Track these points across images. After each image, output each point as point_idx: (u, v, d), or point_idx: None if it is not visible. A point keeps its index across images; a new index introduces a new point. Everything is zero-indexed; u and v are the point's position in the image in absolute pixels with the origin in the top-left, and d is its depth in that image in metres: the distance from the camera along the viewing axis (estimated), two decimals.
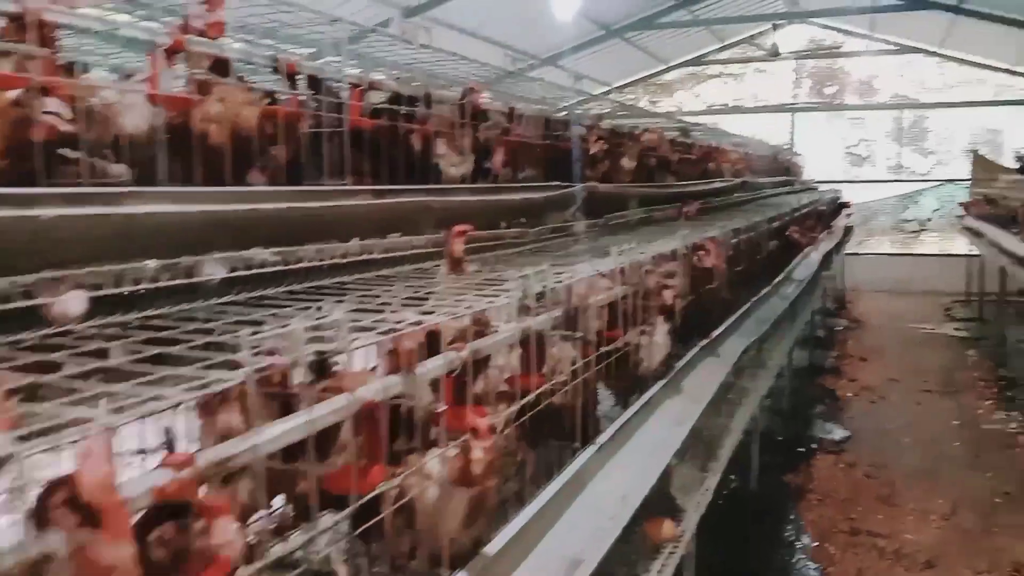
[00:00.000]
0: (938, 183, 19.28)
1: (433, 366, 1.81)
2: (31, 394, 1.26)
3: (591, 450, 2.57)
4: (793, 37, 19.40)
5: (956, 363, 11.60)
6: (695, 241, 3.79)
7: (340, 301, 2.01)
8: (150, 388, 1.22)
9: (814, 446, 8.20)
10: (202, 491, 1.22)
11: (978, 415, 9.12)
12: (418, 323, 1.65)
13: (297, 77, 2.60)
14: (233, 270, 2.03)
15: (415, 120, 3.19)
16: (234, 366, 1.22)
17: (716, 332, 4.36)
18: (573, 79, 4.81)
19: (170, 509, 1.17)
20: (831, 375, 10.98)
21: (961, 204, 15.61)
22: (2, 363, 1.45)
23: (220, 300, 1.99)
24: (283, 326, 1.25)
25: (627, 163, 5.25)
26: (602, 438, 2.68)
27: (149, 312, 1.79)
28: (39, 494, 0.99)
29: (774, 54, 17.22)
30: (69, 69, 2.03)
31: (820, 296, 11.32)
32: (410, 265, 2.82)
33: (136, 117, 2.02)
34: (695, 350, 4.06)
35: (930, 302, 16.32)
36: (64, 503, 0.98)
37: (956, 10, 14.75)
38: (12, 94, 1.80)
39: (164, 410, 1.23)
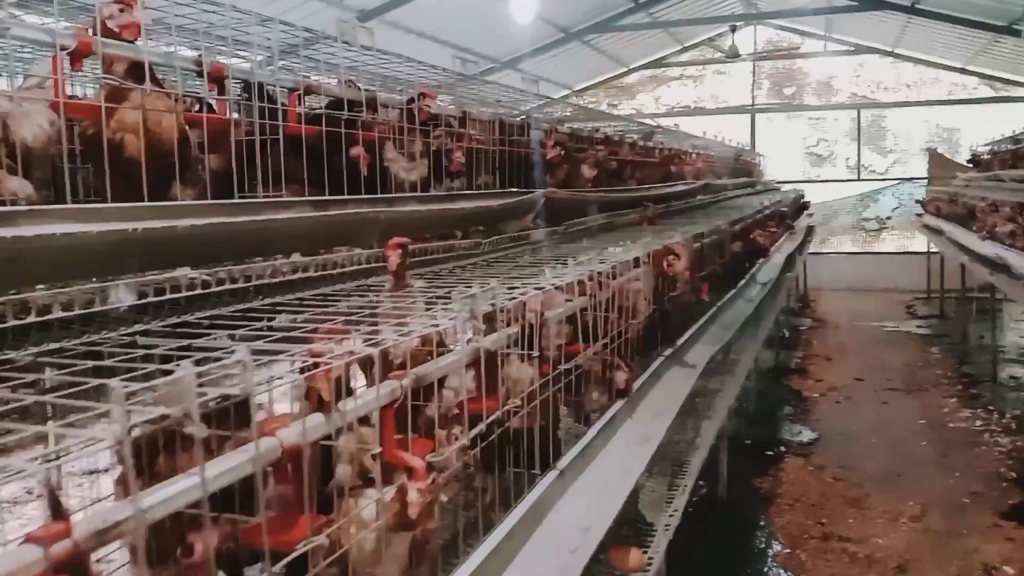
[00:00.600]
0: (897, 181, 19.47)
1: (367, 400, 1.62)
2: None
3: (551, 476, 2.40)
4: (751, 39, 19.49)
5: (920, 361, 11.65)
6: (656, 248, 3.64)
7: (268, 326, 1.83)
8: None
9: (783, 449, 8.12)
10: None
11: (943, 414, 9.12)
12: (345, 354, 1.47)
13: (225, 81, 2.40)
14: (142, 296, 1.84)
15: (359, 126, 3.00)
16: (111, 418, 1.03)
17: (681, 340, 4.22)
18: (529, 82, 4.62)
19: None
20: (797, 375, 10.95)
21: (919, 202, 15.76)
22: None
23: (130, 330, 1.78)
24: (169, 372, 1.07)
25: (587, 168, 5.10)
26: (563, 462, 2.51)
27: (43, 347, 1.59)
28: None
29: (733, 55, 17.25)
30: None
31: (784, 296, 11.28)
32: (353, 282, 2.63)
33: (34, 126, 1.81)
34: (660, 360, 3.91)
35: (892, 300, 16.45)
36: None
37: (909, 10, 14.88)
38: None
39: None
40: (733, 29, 17.74)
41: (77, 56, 1.98)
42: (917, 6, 14.69)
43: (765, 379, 10.45)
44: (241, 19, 2.46)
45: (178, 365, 1.09)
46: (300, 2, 11.31)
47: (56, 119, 1.89)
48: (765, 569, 5.87)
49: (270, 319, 1.98)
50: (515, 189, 3.91)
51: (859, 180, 19.53)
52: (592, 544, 2.14)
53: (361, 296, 2.33)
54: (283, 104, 2.73)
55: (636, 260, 3.31)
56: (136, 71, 2.21)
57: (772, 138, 19.95)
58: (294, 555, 1.36)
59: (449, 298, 2.20)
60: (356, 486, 1.61)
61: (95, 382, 1.24)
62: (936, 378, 10.65)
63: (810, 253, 16.00)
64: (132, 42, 2.21)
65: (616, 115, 14.17)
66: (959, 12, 14.48)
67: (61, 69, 1.91)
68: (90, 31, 1.98)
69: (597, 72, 20.22)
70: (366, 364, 1.55)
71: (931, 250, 15.23)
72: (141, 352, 1.58)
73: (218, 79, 2.40)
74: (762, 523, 6.50)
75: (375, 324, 1.87)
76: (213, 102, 2.63)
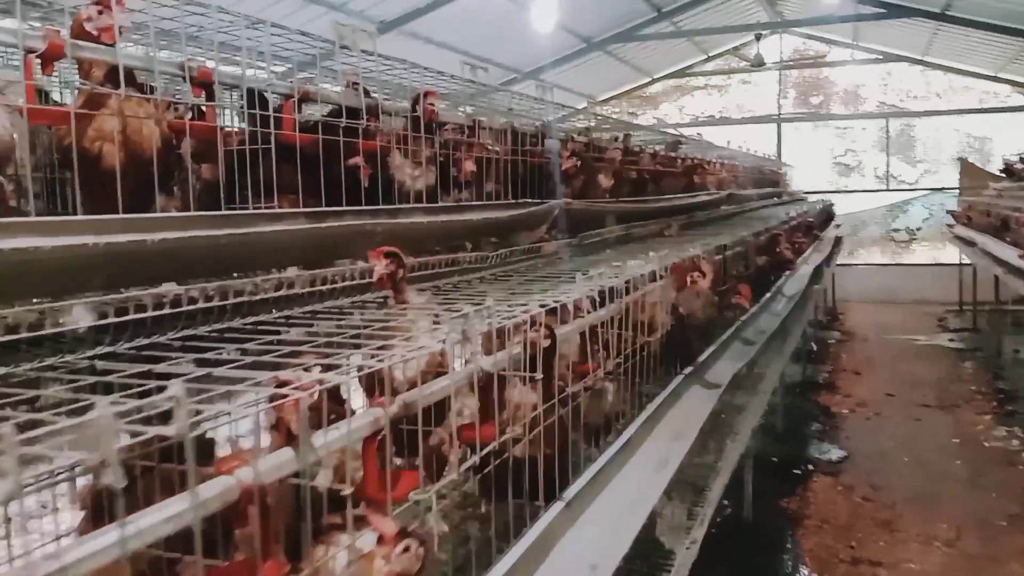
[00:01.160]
0: (927, 192, 19.07)
1: (343, 431, 1.47)
2: None
3: (557, 507, 2.23)
4: (777, 48, 19.24)
5: (952, 376, 11.31)
6: (675, 261, 3.47)
7: (241, 349, 1.69)
8: None
9: (810, 467, 7.87)
10: None
11: (978, 431, 8.81)
12: (313, 383, 1.32)
13: (213, 86, 2.27)
14: (103, 316, 1.70)
15: (360, 134, 2.87)
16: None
17: (702, 357, 4.03)
18: (543, 91, 4.47)
19: None
20: (825, 390, 10.68)
21: (951, 212, 15.40)
22: None
23: (91, 354, 1.65)
24: (84, 417, 0.92)
25: (604, 178, 4.94)
26: (571, 491, 2.34)
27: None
28: None
29: (758, 64, 17.03)
30: None
31: (811, 309, 11.01)
32: (349, 297, 2.49)
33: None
34: (679, 378, 3.73)
35: (922, 312, 16.07)
36: None
37: (939, 17, 14.58)
38: None
39: None
40: (758, 38, 17.52)
41: (48, 59, 1.86)
42: (947, 12, 14.39)
43: (792, 394, 10.18)
44: (232, 22, 2.33)
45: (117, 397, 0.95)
46: (320, 14, 11.29)
47: (19, 124, 1.76)
48: None
49: (247, 340, 1.84)
50: (527, 199, 3.76)
51: (888, 190, 19.16)
52: None
53: (353, 314, 2.18)
54: (275, 111, 2.60)
55: (652, 274, 3.14)
56: (115, 76, 2.09)
57: (799, 148, 19.66)
58: None
59: (452, 315, 2.05)
60: (330, 528, 1.46)
61: (23, 417, 1.10)
62: (970, 394, 10.32)
63: (838, 264, 15.69)
64: (111, 45, 2.09)
65: (639, 125, 13.99)
66: (990, 18, 14.16)
67: (31, 74, 1.78)
68: (62, 33, 1.86)
69: (620, 82, 20.07)
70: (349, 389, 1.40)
71: (963, 261, 14.85)
72: (91, 379, 1.45)
73: (205, 84, 2.27)
74: (788, 545, 6.27)
75: (358, 346, 1.73)
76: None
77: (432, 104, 3.19)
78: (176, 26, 2.34)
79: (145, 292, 1.79)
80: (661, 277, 3.28)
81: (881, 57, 18.69)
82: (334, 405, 1.91)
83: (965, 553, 6.03)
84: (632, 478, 2.73)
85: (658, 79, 20.34)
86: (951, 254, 16.51)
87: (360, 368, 1.42)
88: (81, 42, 1.93)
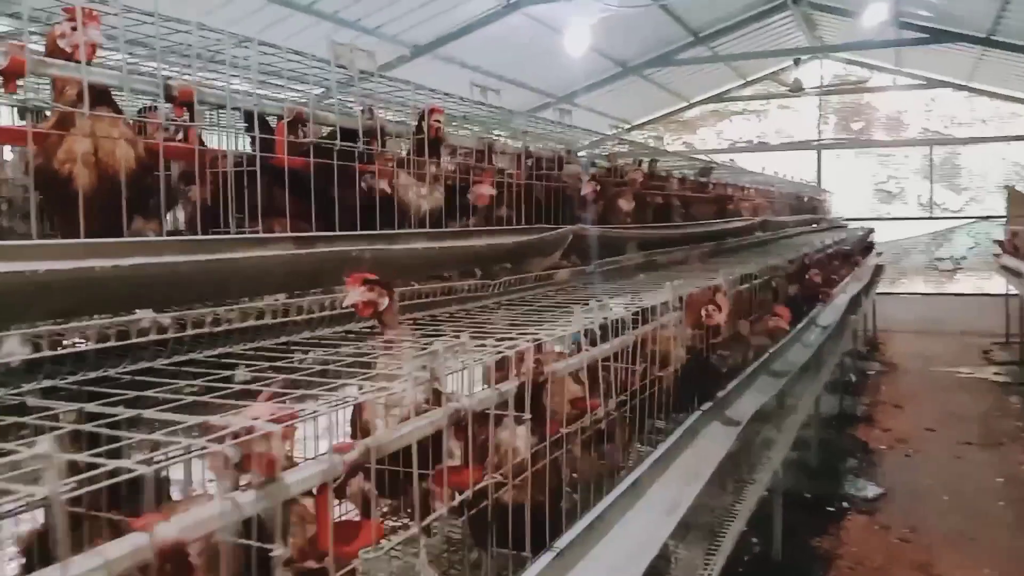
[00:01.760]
0: (972, 220, 18.56)
1: (294, 480, 1.34)
2: None
3: (546, 558, 2.08)
4: (817, 73, 18.96)
5: (997, 411, 10.88)
6: (691, 291, 3.30)
7: (191, 385, 1.57)
8: None
9: (845, 505, 7.56)
10: None
11: (1023, 470, 8.42)
12: (243, 431, 1.20)
13: (194, 105, 2.18)
14: (36, 349, 1.60)
15: (358, 158, 2.77)
16: None
17: (723, 392, 3.85)
18: (562, 114, 4.35)
19: None
20: (863, 424, 10.32)
21: (997, 242, 14.94)
22: None
23: (18, 390, 1.54)
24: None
25: (624, 203, 4.79)
26: (564, 540, 2.18)
27: None
28: None
29: (797, 89, 16.78)
30: None
31: (849, 339, 10.69)
32: (331, 328, 2.38)
33: None
34: (696, 414, 3.55)
35: (967, 344, 15.57)
36: None
37: (984, 42, 14.23)
38: None
39: None
40: (797, 63, 17.29)
41: (9, 76, 1.78)
42: (992, 37, 14.04)
43: (828, 427, 9.85)
44: (218, 40, 2.25)
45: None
46: (352, 37, 11.33)
47: None
48: None
49: (201, 376, 1.73)
50: (538, 225, 3.63)
51: (932, 218, 18.70)
52: None
53: (327, 348, 2.06)
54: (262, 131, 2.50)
55: (664, 306, 2.98)
56: (91, 96, 2.01)
57: (839, 174, 19.31)
58: None
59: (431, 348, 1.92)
60: None
61: None
62: (1016, 431, 9.90)
63: (880, 293, 15.30)
64: (87, 63, 2.01)
65: (665, 150, 13.82)
66: None
67: None
68: (23, 49, 1.78)
69: (657, 107, 19.94)
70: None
71: (1010, 292, 14.37)
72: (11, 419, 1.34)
73: (187, 103, 2.18)
74: None
75: (317, 385, 1.60)
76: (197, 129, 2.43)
77: (438, 121, 3.09)
78: (166, 44, 2.26)
79: (92, 323, 1.69)
80: (675, 308, 3.13)
81: (924, 83, 18.33)
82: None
83: None
84: (637, 523, 2.56)
85: (695, 104, 20.18)
86: (997, 284, 16.02)
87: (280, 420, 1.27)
88: (49, 59, 1.85)
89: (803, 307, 6.79)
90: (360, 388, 1.55)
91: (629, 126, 19.63)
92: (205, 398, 1.45)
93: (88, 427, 1.39)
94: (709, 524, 3.37)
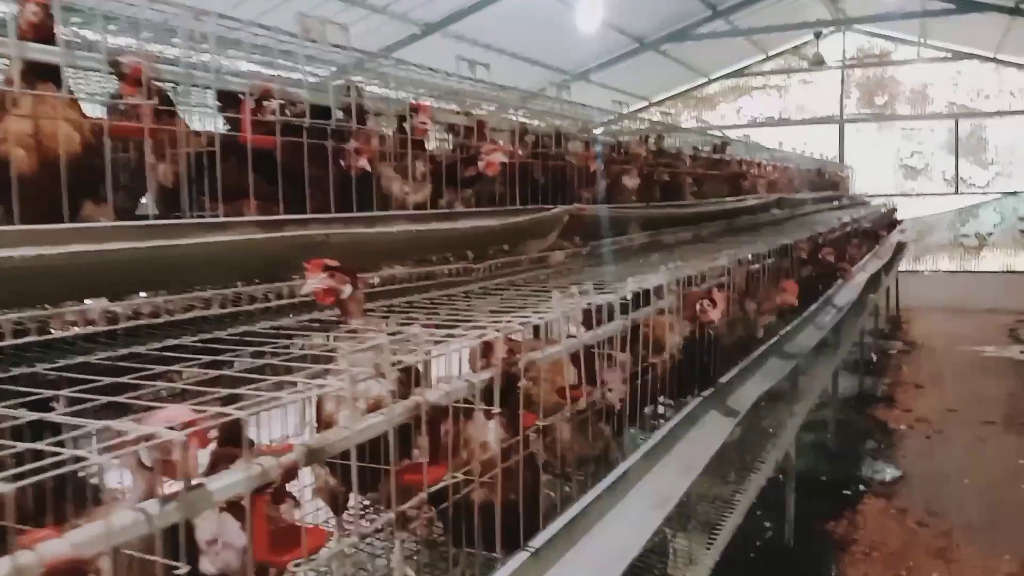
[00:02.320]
0: (999, 196, 18.13)
1: (222, 484, 1.24)
2: None
3: (520, 558, 1.97)
4: (839, 46, 18.54)
5: (1022, 391, 10.62)
6: (689, 274, 3.16)
7: (106, 386, 1.46)
8: None
9: (861, 488, 7.40)
10: None
11: None
12: (140, 439, 1.09)
13: (146, 82, 2.07)
14: None
15: (330, 136, 2.65)
16: None
17: (727, 377, 3.71)
18: (559, 90, 4.19)
19: None
20: (883, 405, 10.11)
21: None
22: None
23: None
24: None
25: (629, 180, 4.64)
26: (542, 538, 2.07)
27: None
28: None
29: (818, 63, 16.41)
30: None
31: (868, 319, 10.48)
32: (298, 315, 2.27)
33: None
34: (696, 401, 3.42)
35: (993, 322, 15.26)
36: None
37: (1014, 11, 13.81)
38: None
39: None
40: (818, 36, 16.90)
41: None
42: (1022, 6, 13.62)
43: (847, 409, 9.68)
44: (176, 15, 2.13)
45: None
46: (362, 16, 11.18)
47: None
48: None
49: (130, 371, 1.62)
50: (531, 206, 3.49)
51: (957, 194, 18.29)
52: None
53: (281, 339, 1.95)
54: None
55: (657, 290, 2.84)
56: (33, 73, 1.90)
57: (862, 150, 18.92)
58: None
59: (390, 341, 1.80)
60: None
61: None
62: None
63: (903, 271, 15.00)
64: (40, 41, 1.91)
65: (674, 126, 13.57)
66: None
67: None
68: None
69: (675, 83, 19.61)
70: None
71: None
72: None
73: (138, 81, 2.07)
74: (832, 573, 5.85)
75: (257, 381, 1.49)
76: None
77: (424, 123, 2.96)
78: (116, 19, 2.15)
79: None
80: (671, 292, 2.99)
81: (950, 55, 17.87)
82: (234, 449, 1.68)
83: None
84: (623, 519, 2.44)
85: (715, 79, 19.84)
86: None
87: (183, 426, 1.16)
88: None
89: (818, 286, 6.62)
90: (303, 384, 1.44)
91: (644, 104, 19.33)
92: (122, 398, 1.35)
93: None
94: (707, 515, 3.25)
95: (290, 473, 1.41)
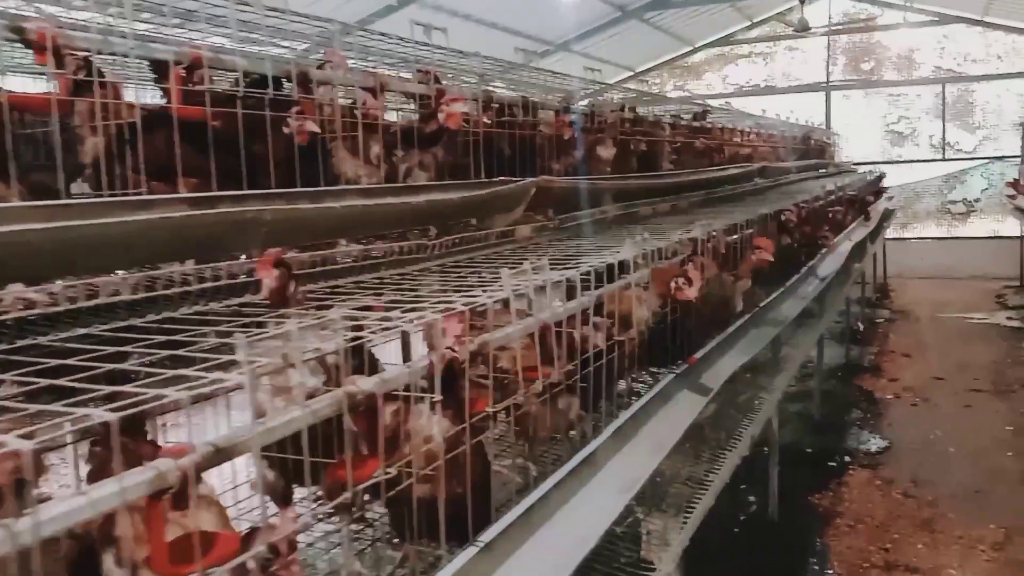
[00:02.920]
0: (986, 161, 18.02)
1: (102, 495, 1.10)
2: None
3: (469, 553, 1.84)
4: (824, 12, 18.29)
5: (1009, 358, 10.58)
6: (658, 246, 3.02)
7: None
8: None
9: (847, 459, 7.33)
10: None
11: None
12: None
13: (60, 52, 1.90)
14: None
15: (282, 107, 2.50)
16: None
17: (700, 352, 3.59)
18: (527, 57, 4.02)
19: None
20: (869, 374, 10.05)
21: (1010, 183, 14.49)
22: None
23: None
24: None
25: (603, 150, 4.49)
26: (495, 530, 1.95)
27: None
28: None
29: (803, 29, 16.18)
30: None
31: (853, 288, 10.38)
32: (231, 299, 2.13)
33: None
34: (669, 377, 3.30)
35: (980, 288, 15.22)
36: None
37: None
38: None
39: None
40: (803, 1, 16.65)
41: None
42: None
43: (833, 379, 9.62)
44: None
45: None
46: None
47: None
48: None
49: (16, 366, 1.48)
50: (496, 178, 3.34)
51: (944, 160, 18.17)
52: None
53: (194, 328, 1.80)
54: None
55: (619, 265, 2.71)
56: None
57: (849, 116, 18.75)
58: None
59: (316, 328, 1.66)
60: None
61: None
62: None
63: (891, 239, 14.89)
64: None
65: (651, 92, 13.35)
66: None
67: None
68: None
69: (660, 52, 19.34)
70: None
71: None
72: None
73: (51, 49, 1.90)
74: (817, 547, 5.79)
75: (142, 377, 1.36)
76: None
77: (375, 108, 2.80)
78: None
79: None
80: (639, 265, 2.85)
81: (937, 19, 17.65)
82: (148, 447, 1.55)
83: (1014, 560, 5.49)
84: (586, 505, 2.32)
85: (700, 48, 19.57)
86: (1012, 226, 15.60)
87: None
88: None
89: (801, 256, 6.50)
90: (193, 380, 1.30)
91: (628, 74, 19.09)
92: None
93: None
94: (681, 494, 3.14)
95: (194, 475, 1.28)
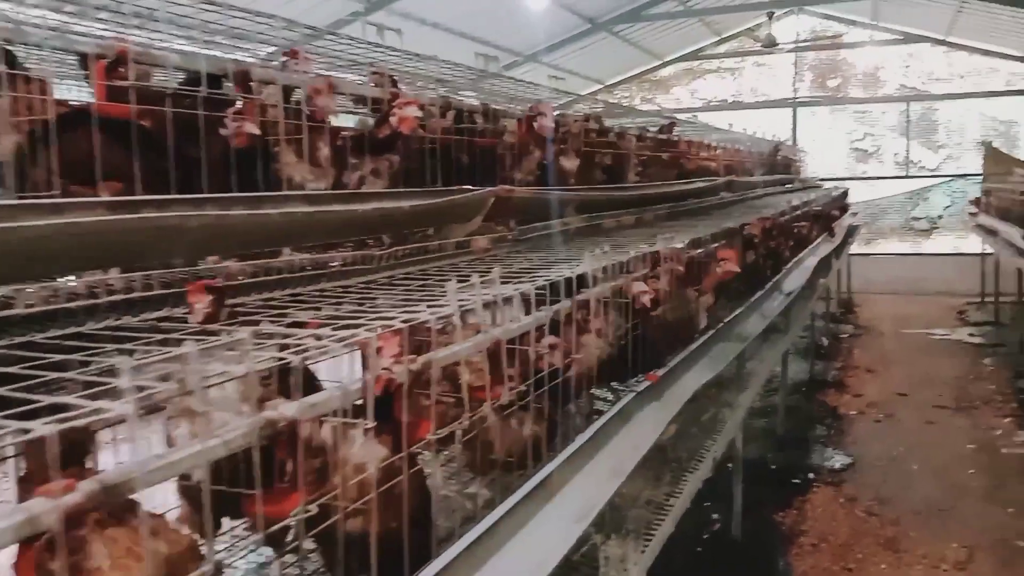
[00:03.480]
0: (949, 178, 18.26)
1: None
2: None
3: None
4: (792, 28, 18.46)
5: (971, 374, 10.64)
6: (619, 260, 2.90)
7: None
8: None
9: (811, 476, 7.27)
10: None
11: (996, 436, 8.17)
12: None
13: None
14: None
15: (221, 108, 2.34)
16: None
17: (662, 371, 3.48)
18: (486, 61, 3.89)
19: None
20: (833, 389, 10.04)
21: (973, 201, 14.66)
22: None
23: None
24: None
25: (567, 162, 4.37)
26: (433, 568, 1.80)
27: None
28: None
29: (770, 45, 16.30)
30: None
31: (818, 303, 10.39)
32: (151, 312, 1.97)
33: None
34: (629, 396, 3.18)
35: (942, 304, 15.36)
36: None
37: None
38: None
39: None
40: (770, 16, 16.79)
41: None
42: None
43: (797, 394, 9.58)
44: None
45: None
46: None
47: None
48: None
49: None
50: (453, 187, 3.20)
51: (908, 177, 18.37)
52: None
53: (107, 345, 1.65)
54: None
55: (575, 280, 2.58)
56: None
57: (815, 133, 18.91)
58: None
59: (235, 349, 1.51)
60: None
61: None
62: (988, 394, 9.66)
63: (855, 254, 14.98)
64: None
65: (620, 105, 13.35)
66: None
67: None
68: None
69: (630, 66, 19.38)
70: None
71: (986, 251, 14.12)
72: None
73: None
74: (780, 567, 5.70)
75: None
76: None
77: (325, 105, 2.65)
78: None
79: None
80: (599, 280, 2.73)
81: (902, 37, 17.88)
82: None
83: None
84: (536, 536, 2.18)
85: (669, 62, 19.64)
86: (974, 243, 15.78)
87: None
88: None
89: (766, 272, 6.44)
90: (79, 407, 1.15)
91: (597, 87, 19.10)
92: None
93: None
94: (642, 517, 3.02)
95: (77, 517, 1.12)
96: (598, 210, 4.96)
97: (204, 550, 1.50)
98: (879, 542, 5.98)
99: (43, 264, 1.77)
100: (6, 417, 1.12)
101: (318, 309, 2.10)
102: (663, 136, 7.07)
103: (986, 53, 17.24)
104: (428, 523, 1.85)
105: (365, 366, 1.65)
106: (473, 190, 3.16)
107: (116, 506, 1.22)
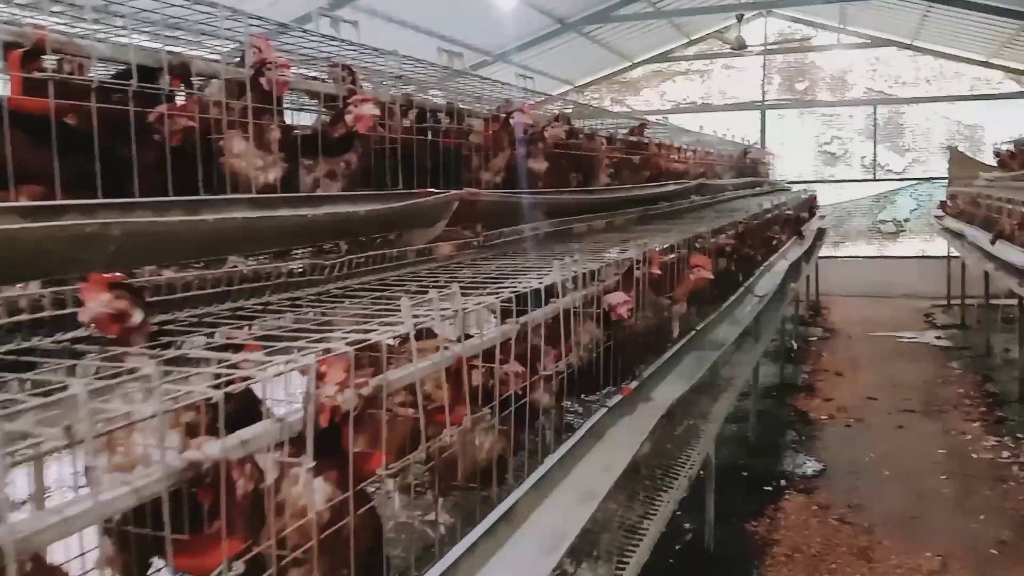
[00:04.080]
0: (915, 182, 18.40)
1: None
2: None
3: None
4: (761, 31, 18.49)
5: (939, 377, 10.65)
6: (585, 270, 2.74)
7: None
8: None
9: (783, 483, 7.17)
10: None
11: (966, 442, 8.14)
12: None
13: None
14: None
15: (154, 103, 2.14)
16: None
17: (633, 383, 3.32)
18: (450, 58, 3.70)
19: None
20: (804, 394, 9.98)
21: (940, 205, 14.76)
22: None
23: None
24: None
25: (536, 164, 4.21)
26: None
27: None
28: None
29: (740, 47, 16.29)
30: None
31: (790, 306, 10.33)
32: (70, 332, 1.76)
33: None
34: (601, 412, 3.01)
35: (909, 307, 15.45)
36: None
37: None
38: None
39: None
40: (740, 19, 16.78)
41: None
42: None
43: (768, 399, 9.50)
44: None
45: None
46: None
47: None
48: None
49: None
50: (415, 190, 3.01)
51: (875, 180, 18.48)
52: None
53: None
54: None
55: (548, 291, 2.41)
56: None
57: (783, 135, 18.96)
58: None
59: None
60: None
61: None
62: (957, 397, 9.66)
63: (823, 257, 15.01)
64: None
65: (588, 105, 13.24)
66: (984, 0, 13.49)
67: None
68: None
69: (599, 67, 19.29)
70: None
71: (951, 254, 14.21)
72: None
73: None
74: None
75: None
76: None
77: (283, 76, 2.45)
78: None
79: None
80: (568, 289, 2.56)
81: (869, 41, 18.00)
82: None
83: None
84: (503, 570, 2.01)
85: (638, 64, 19.58)
86: (940, 246, 15.88)
87: None
88: None
89: (739, 276, 6.33)
90: None
91: (567, 88, 18.98)
92: None
93: None
94: (614, 542, 2.85)
95: None
96: (568, 214, 4.80)
97: None
98: (852, 551, 5.88)
99: None
100: None
101: (250, 328, 1.90)
102: (634, 138, 6.94)
103: (951, 57, 17.39)
104: (379, 565, 1.66)
105: (306, 394, 1.47)
106: (436, 193, 2.97)
107: None
